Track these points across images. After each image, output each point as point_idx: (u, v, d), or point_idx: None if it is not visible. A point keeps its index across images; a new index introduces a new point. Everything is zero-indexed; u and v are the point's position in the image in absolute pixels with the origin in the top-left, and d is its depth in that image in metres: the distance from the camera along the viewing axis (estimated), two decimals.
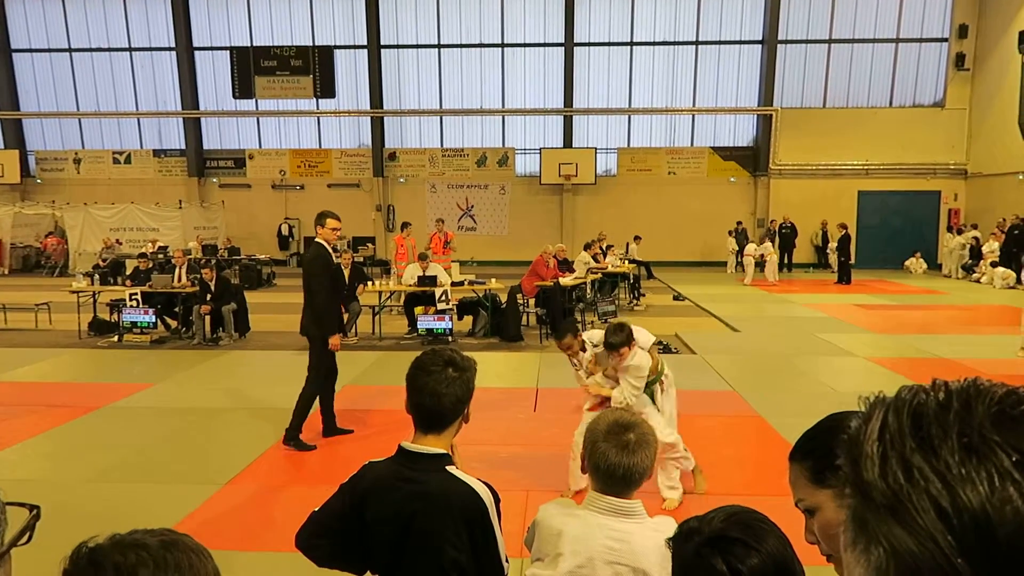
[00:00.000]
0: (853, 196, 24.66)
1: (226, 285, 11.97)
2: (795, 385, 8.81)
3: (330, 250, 6.61)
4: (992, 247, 19.92)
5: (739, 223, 24.20)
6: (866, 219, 24.65)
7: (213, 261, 14.74)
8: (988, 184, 23.10)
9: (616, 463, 1.97)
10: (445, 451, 2.15)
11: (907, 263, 23.13)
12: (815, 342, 11.33)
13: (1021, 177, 21.19)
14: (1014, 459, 0.51)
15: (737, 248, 23.78)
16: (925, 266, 22.91)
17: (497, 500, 2.17)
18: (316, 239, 6.66)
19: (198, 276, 12.42)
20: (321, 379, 6.68)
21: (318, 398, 6.76)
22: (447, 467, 2.12)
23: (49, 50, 26.29)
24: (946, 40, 24.14)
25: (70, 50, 26.27)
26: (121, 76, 26.37)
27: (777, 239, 23.01)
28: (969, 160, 24.21)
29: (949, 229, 23.21)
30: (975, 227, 21.92)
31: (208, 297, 11.49)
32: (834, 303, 15.85)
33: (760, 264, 20.36)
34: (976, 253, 21.06)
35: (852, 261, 20.35)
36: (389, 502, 2.11)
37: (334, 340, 6.59)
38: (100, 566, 1.01)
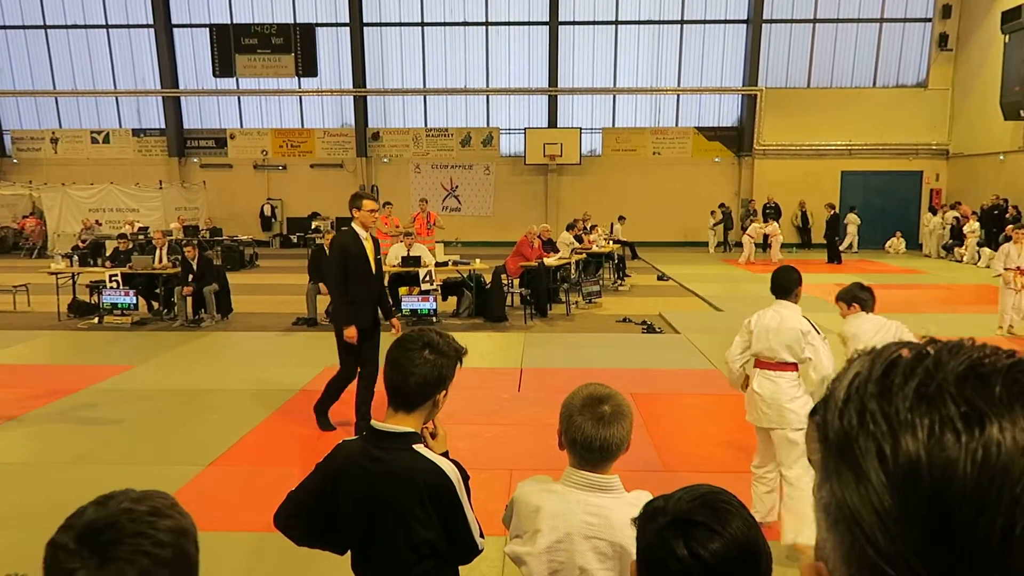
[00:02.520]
0: (836, 176, 24.76)
1: (208, 265, 11.86)
2: None
3: (362, 235, 6.04)
4: (973, 227, 20.10)
5: (722, 205, 24.25)
6: (849, 199, 24.76)
7: (195, 240, 14.63)
8: (970, 164, 23.26)
9: (592, 435, 1.96)
10: (414, 429, 2.13)
11: (888, 244, 23.34)
12: None
13: (1002, 157, 21.35)
14: (962, 410, 0.51)
15: (717, 227, 23.98)
16: (904, 246, 23.11)
17: (466, 478, 2.16)
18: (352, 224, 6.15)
19: (179, 257, 12.31)
20: (344, 372, 6.29)
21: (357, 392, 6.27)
22: (414, 445, 2.11)
23: (24, 27, 25.77)
24: (930, 20, 24.18)
25: (45, 27, 25.76)
26: (98, 54, 25.92)
27: (760, 219, 23.13)
28: (951, 140, 24.35)
29: (930, 209, 23.38)
30: (955, 206, 22.09)
31: (190, 277, 11.38)
32: (816, 283, 15.90)
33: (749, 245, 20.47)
34: (957, 233, 21.25)
35: (838, 237, 20.52)
36: (358, 481, 2.11)
37: (347, 332, 6.03)
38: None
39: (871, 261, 20.67)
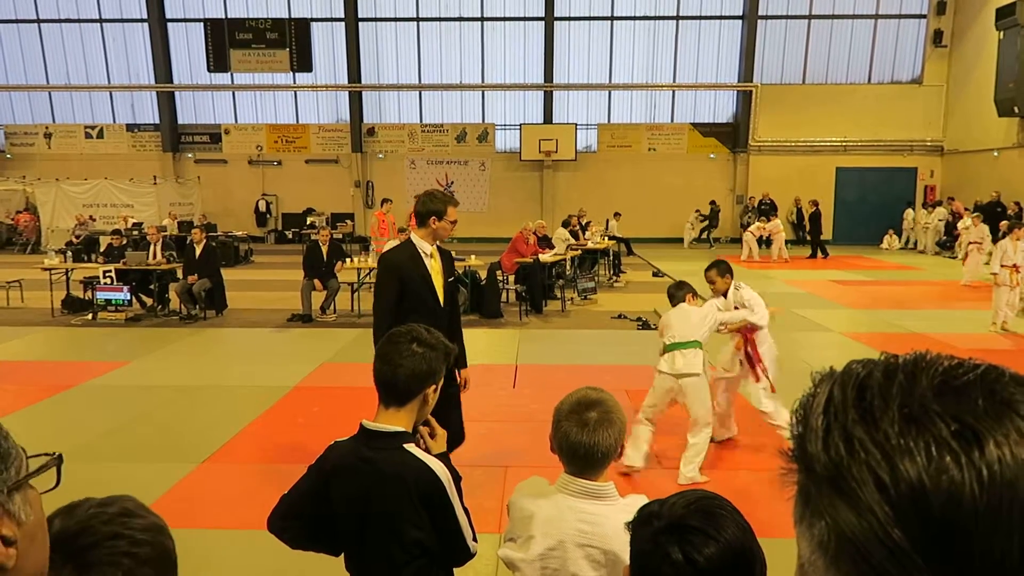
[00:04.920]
0: (831, 172, 24.80)
1: (212, 255, 11.80)
2: None
3: (426, 250, 4.39)
4: (966, 223, 20.12)
5: (712, 202, 24.27)
6: (844, 195, 24.84)
7: (203, 224, 14.68)
8: (964, 161, 23.31)
9: (576, 442, 1.96)
10: (404, 428, 2.12)
11: (884, 240, 23.42)
12: (792, 318, 11.42)
13: (996, 154, 21.40)
14: (953, 428, 0.50)
15: (704, 225, 24.13)
16: (897, 242, 23.16)
17: (457, 479, 2.14)
18: (411, 233, 4.58)
19: (173, 253, 12.29)
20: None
21: None
22: (404, 445, 2.10)
23: (17, 21, 25.61)
24: (924, 16, 24.21)
25: (39, 21, 25.61)
26: (92, 48, 25.78)
27: (756, 216, 23.19)
28: (945, 137, 24.39)
29: (925, 205, 23.44)
30: (945, 202, 22.15)
31: (192, 263, 11.31)
32: (811, 279, 15.99)
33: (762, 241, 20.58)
34: (950, 229, 21.28)
35: (828, 237, 20.68)
36: (349, 482, 2.11)
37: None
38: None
39: (866, 257, 20.72)
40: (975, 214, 17.81)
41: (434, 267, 4.39)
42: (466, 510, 2.15)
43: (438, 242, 4.47)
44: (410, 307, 4.28)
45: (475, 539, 2.16)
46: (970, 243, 15.44)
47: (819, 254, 20.39)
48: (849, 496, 0.51)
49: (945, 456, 0.49)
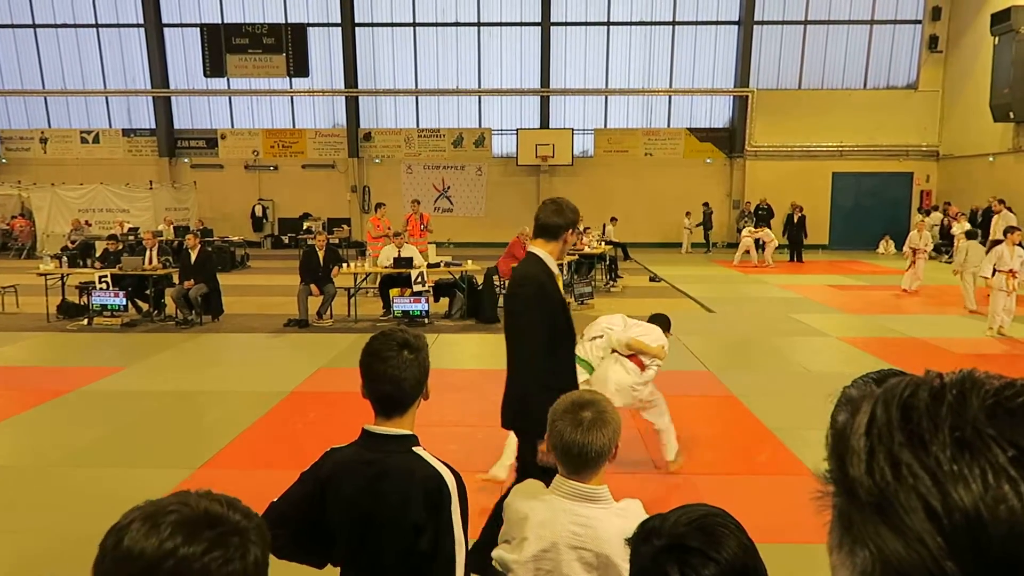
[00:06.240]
0: (827, 177, 24.87)
1: (208, 259, 11.78)
2: (769, 365, 8.89)
3: (555, 271, 3.59)
4: (965, 227, 20.16)
5: (705, 204, 24.28)
6: (840, 200, 24.90)
7: (198, 230, 14.66)
8: (959, 166, 23.39)
9: (571, 441, 1.97)
10: (411, 432, 2.09)
11: (881, 245, 23.45)
12: (789, 322, 11.44)
13: (992, 159, 21.47)
14: (1010, 455, 0.47)
15: (697, 228, 24.17)
16: (893, 247, 23.18)
17: (463, 490, 2.08)
18: (531, 248, 3.65)
19: (169, 258, 12.27)
20: None
21: None
22: (413, 448, 2.07)
23: (12, 26, 25.61)
24: (920, 22, 24.31)
25: (34, 26, 25.62)
26: (88, 53, 25.78)
27: (753, 221, 23.21)
28: (941, 142, 24.48)
29: (920, 210, 23.50)
30: (947, 204, 22.19)
31: (188, 269, 11.30)
32: (807, 284, 16.01)
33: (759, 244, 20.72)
34: (945, 234, 21.32)
35: (824, 242, 20.77)
36: (351, 487, 2.06)
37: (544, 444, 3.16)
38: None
39: (862, 262, 20.76)
40: (921, 220, 17.90)
41: (561, 286, 3.67)
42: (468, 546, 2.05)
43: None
44: (555, 338, 3.42)
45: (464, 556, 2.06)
46: (913, 250, 15.27)
47: (794, 258, 20.79)
48: (896, 524, 0.48)
49: (1003, 484, 0.46)
